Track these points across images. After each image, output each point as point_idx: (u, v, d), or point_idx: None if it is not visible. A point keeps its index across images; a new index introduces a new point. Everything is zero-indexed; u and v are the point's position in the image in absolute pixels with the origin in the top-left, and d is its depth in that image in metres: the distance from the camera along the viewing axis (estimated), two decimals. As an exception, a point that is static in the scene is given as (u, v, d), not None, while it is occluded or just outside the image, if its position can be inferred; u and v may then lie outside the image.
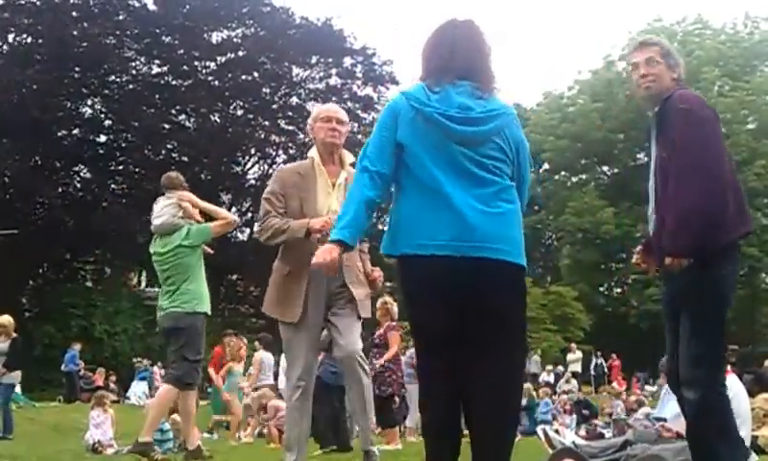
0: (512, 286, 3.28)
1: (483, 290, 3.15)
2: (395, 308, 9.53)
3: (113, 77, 30.48)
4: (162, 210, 6.70)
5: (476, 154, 3.22)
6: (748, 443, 6.44)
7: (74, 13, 28.63)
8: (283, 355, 10.66)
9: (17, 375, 12.38)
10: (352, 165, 4.51)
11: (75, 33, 27.64)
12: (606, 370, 27.44)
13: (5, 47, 29.42)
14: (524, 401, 18.36)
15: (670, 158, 3.68)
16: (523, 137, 3.40)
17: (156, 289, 33.09)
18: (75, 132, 30.57)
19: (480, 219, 3.15)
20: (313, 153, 4.63)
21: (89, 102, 31.05)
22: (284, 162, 34.36)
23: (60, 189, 29.41)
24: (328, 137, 4.54)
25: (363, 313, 4.57)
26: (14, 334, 12.28)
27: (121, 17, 29.65)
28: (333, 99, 33.21)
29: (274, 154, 34.71)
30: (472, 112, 3.22)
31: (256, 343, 13.76)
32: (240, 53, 31.87)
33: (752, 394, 7.43)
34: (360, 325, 4.60)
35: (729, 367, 6.68)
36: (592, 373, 27.43)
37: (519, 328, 3.40)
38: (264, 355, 12.85)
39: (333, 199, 4.46)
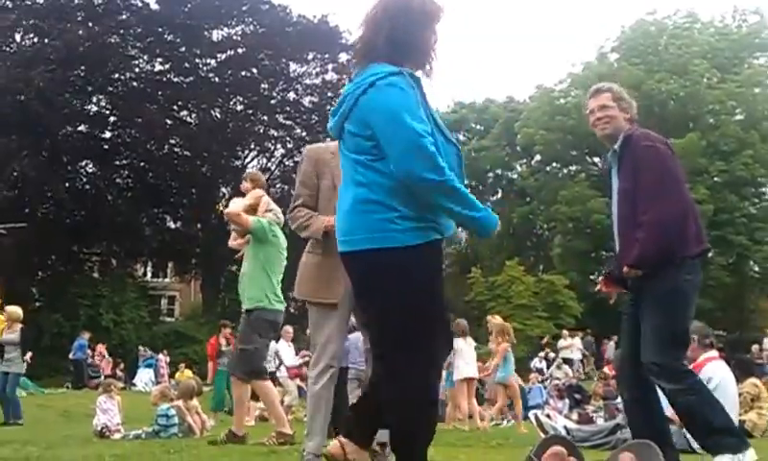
0: (367, 276, 3.03)
1: (353, 285, 3.13)
2: None
3: (117, 75, 30.47)
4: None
5: (343, 147, 3.13)
6: (735, 426, 6.46)
7: (79, 14, 28.65)
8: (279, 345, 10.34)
9: (23, 363, 12.30)
10: None
11: (80, 33, 27.62)
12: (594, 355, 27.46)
13: (13, 47, 29.45)
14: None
15: (635, 188, 4.04)
16: (378, 103, 2.95)
17: (162, 280, 33.22)
18: (81, 128, 30.60)
19: (340, 214, 3.12)
20: None
21: (94, 99, 31.13)
22: (282, 156, 34.50)
23: (66, 184, 29.47)
24: None
25: None
26: (20, 325, 12.20)
27: (124, 17, 29.64)
28: (329, 94, 33.24)
29: (272, 147, 34.75)
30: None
31: None
32: (239, 50, 31.87)
33: (737, 379, 7.43)
34: None
35: (716, 352, 6.71)
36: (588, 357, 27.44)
37: (387, 326, 3.03)
38: None
39: None
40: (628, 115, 4.28)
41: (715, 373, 6.35)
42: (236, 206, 6.64)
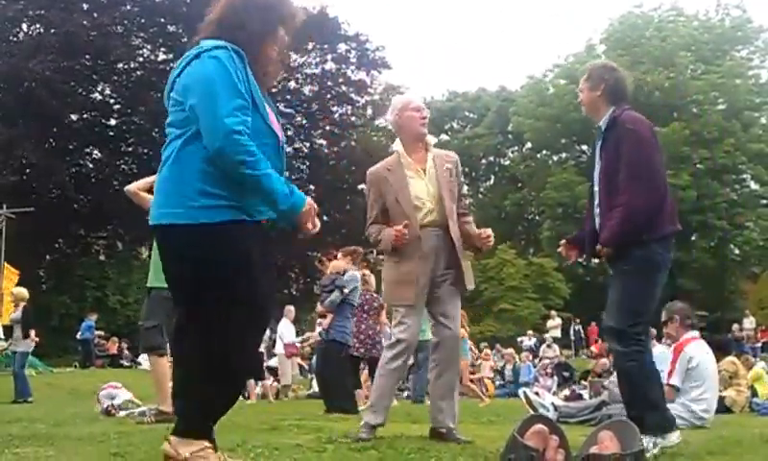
0: (169, 249, 2.99)
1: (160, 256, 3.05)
2: (372, 280, 9.56)
3: (122, 64, 30.34)
4: None
5: (167, 123, 3.03)
6: (715, 403, 6.50)
7: (84, 5, 28.51)
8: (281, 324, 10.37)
9: (30, 342, 12.19)
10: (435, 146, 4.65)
11: (85, 23, 27.50)
12: (583, 335, 27.56)
13: (19, 36, 29.32)
14: (508, 367, 18.50)
15: (616, 169, 4.05)
16: (197, 72, 2.89)
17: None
18: (86, 116, 30.49)
19: (155, 189, 3.01)
20: (397, 145, 4.58)
21: (99, 88, 30.98)
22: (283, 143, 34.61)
23: (73, 170, 29.42)
24: (423, 128, 4.54)
25: (469, 285, 4.61)
26: (24, 303, 12.16)
27: (128, 8, 29.50)
28: (328, 83, 33.12)
29: (273, 135, 34.66)
30: None
31: None
32: (240, 40, 31.76)
33: (716, 358, 7.48)
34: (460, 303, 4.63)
35: (697, 333, 6.73)
36: (572, 338, 27.58)
37: (197, 299, 2.93)
38: None
39: (425, 184, 4.48)
40: (597, 92, 4.25)
41: (696, 352, 6.38)
42: (136, 183, 6.49)
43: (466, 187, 47.58)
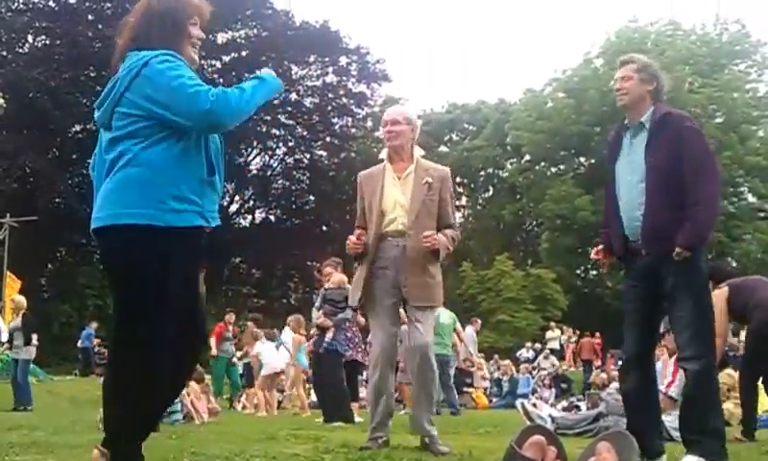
0: (118, 250, 2.86)
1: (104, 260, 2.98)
2: None
3: (125, 75, 30.47)
4: None
5: (109, 135, 2.93)
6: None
7: (89, 17, 28.62)
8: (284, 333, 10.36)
9: (32, 349, 12.19)
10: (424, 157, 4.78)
11: (89, 34, 27.61)
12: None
13: (26, 47, 29.44)
14: (505, 378, 18.45)
15: (673, 167, 3.82)
16: (154, 75, 2.85)
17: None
18: (89, 126, 30.48)
19: (103, 194, 2.88)
20: (383, 153, 4.83)
21: (103, 98, 31.07)
22: (284, 154, 34.73)
23: (75, 179, 29.45)
24: (386, 140, 4.73)
25: (429, 302, 4.53)
26: (24, 310, 12.17)
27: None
28: (329, 95, 33.18)
29: (274, 146, 34.74)
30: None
31: (249, 323, 13.97)
32: (243, 52, 31.85)
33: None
34: (433, 314, 4.69)
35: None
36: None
37: (130, 302, 2.86)
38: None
39: (398, 191, 4.57)
40: (650, 87, 4.06)
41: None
42: None
43: (465, 199, 47.57)
